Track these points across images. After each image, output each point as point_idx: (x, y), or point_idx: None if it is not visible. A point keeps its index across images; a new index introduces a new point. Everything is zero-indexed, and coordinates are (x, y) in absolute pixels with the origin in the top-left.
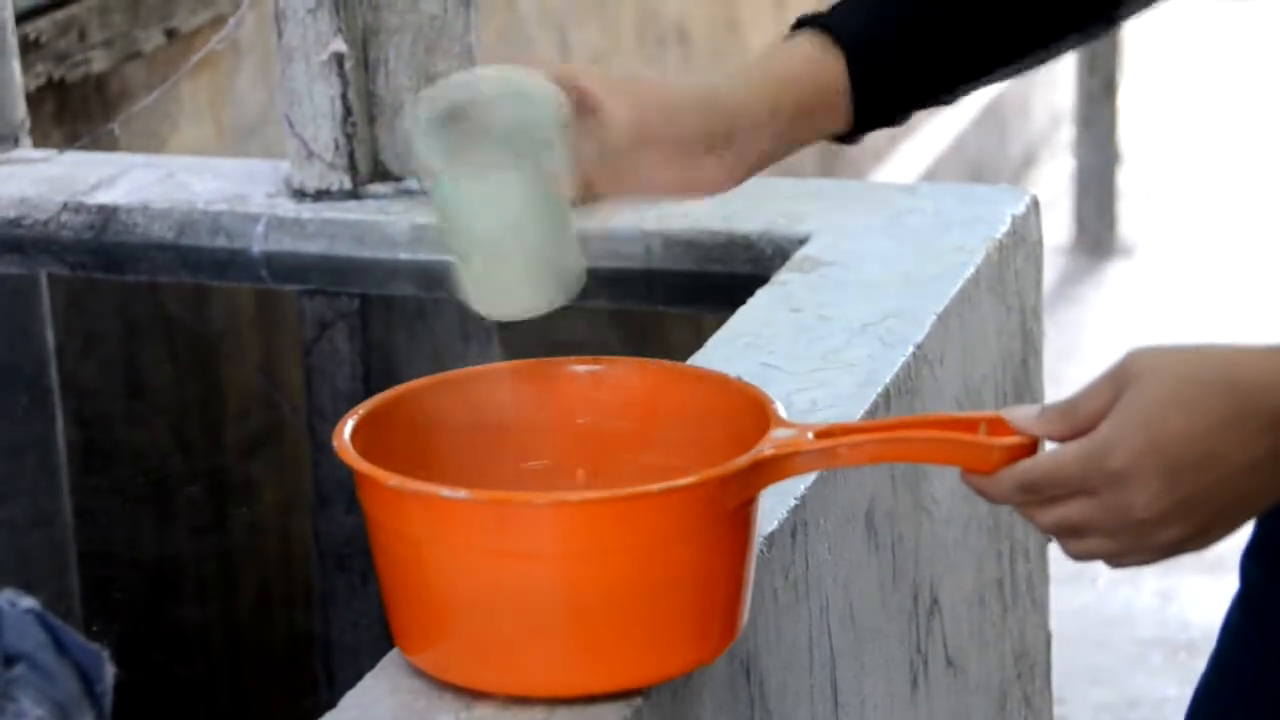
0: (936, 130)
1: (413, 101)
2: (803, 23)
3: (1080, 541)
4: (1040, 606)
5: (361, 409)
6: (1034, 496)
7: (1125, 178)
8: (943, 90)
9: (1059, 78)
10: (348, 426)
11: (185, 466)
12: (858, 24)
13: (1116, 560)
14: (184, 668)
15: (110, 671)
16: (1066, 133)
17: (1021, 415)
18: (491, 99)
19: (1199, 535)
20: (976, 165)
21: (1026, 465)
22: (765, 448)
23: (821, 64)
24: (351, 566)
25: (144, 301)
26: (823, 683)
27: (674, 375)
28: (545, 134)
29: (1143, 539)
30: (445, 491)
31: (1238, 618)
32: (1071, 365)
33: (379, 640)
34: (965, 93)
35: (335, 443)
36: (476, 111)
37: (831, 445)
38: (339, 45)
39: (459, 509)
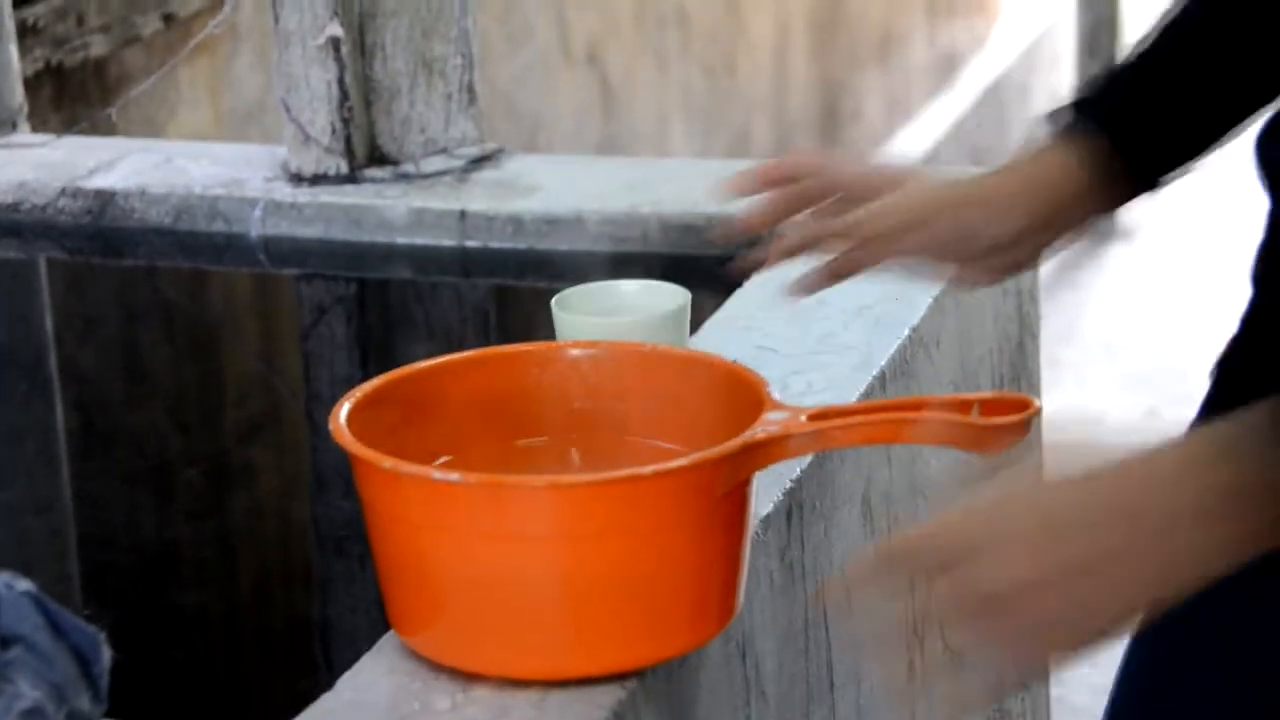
0: (937, 115)
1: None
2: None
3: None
4: None
5: (357, 392)
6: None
7: None
8: (1206, 147)
9: (1059, 60)
10: (343, 410)
11: (184, 451)
12: (1119, 107)
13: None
14: (183, 651)
15: (107, 653)
16: None
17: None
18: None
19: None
20: (976, 149)
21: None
22: (758, 430)
23: (1073, 171)
24: (349, 551)
25: (142, 286)
26: (818, 665)
27: (668, 359)
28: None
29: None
30: (439, 474)
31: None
32: (1071, 349)
33: (377, 624)
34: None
35: (331, 426)
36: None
37: (824, 427)
38: (335, 29)
39: (453, 492)
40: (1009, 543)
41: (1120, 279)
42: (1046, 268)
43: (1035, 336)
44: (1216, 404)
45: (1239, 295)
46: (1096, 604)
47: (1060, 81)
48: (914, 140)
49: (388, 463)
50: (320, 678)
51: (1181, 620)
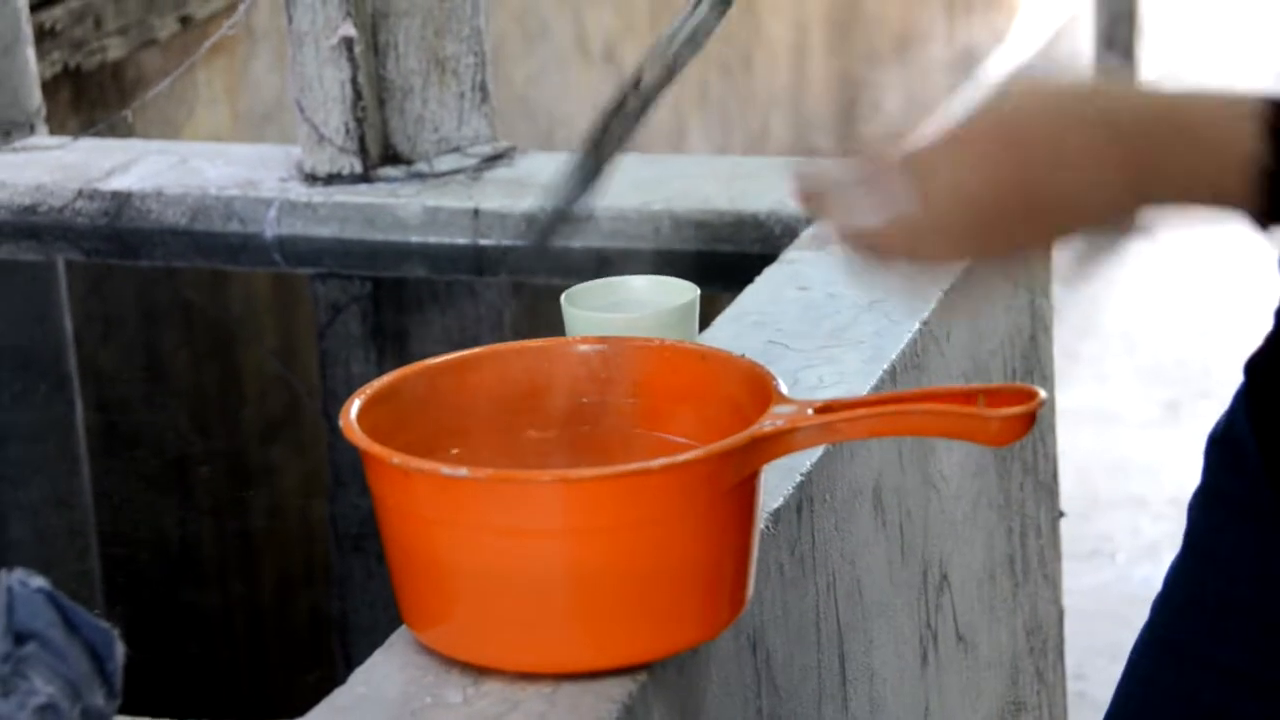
0: (956, 109)
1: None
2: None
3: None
4: (1052, 582)
5: (368, 389)
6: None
7: None
8: None
9: (1078, 55)
10: (354, 406)
11: (202, 450)
12: None
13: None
14: (201, 647)
15: (121, 650)
16: None
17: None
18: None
19: (989, 191)
20: None
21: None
22: (765, 424)
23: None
24: (367, 548)
25: (160, 286)
26: (830, 658)
27: (677, 353)
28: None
29: (924, 178)
30: (448, 470)
31: (1180, 560)
32: (1090, 342)
33: (394, 620)
34: None
35: (341, 422)
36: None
37: (831, 420)
38: (348, 29)
39: (463, 487)
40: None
41: (1140, 271)
42: (1061, 258)
43: (1048, 329)
44: (1252, 397)
45: (1260, 288)
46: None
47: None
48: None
49: (397, 458)
50: (338, 674)
51: (1184, 608)
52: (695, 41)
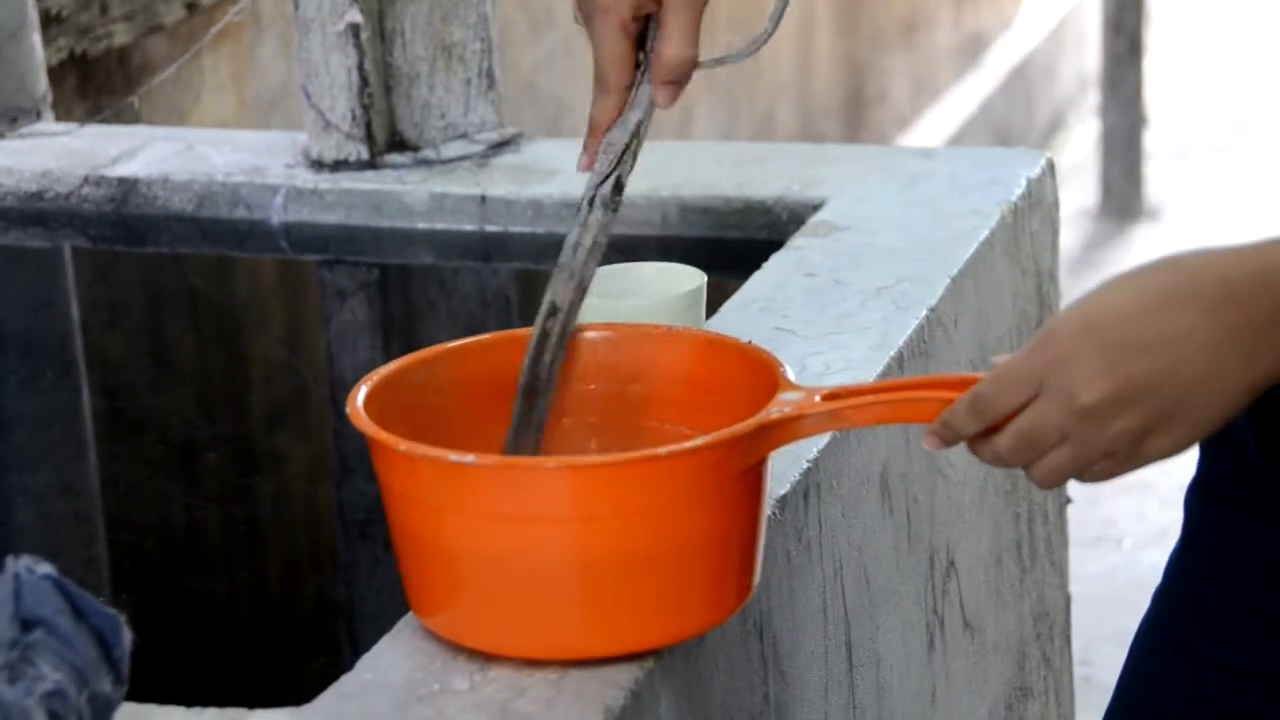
0: (963, 95)
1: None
2: None
3: (1041, 458)
4: (1059, 568)
5: (375, 376)
6: (987, 411)
7: (1152, 140)
8: None
9: (1086, 40)
10: (361, 393)
11: (209, 436)
12: None
13: (1083, 468)
14: (208, 633)
15: (128, 636)
16: (1094, 96)
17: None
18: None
19: (1159, 429)
20: (1003, 130)
21: (977, 383)
22: (772, 411)
23: None
24: (373, 534)
25: (166, 273)
26: (837, 644)
27: (684, 340)
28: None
29: (1096, 430)
30: (453, 456)
31: (1179, 552)
32: None
33: (402, 607)
34: None
35: (348, 409)
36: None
37: (838, 407)
38: (355, 16)
39: (469, 473)
40: (1091, 354)
41: (1148, 259)
42: (1071, 246)
43: (1056, 316)
44: None
45: None
46: (1189, 417)
47: (1086, 62)
48: (940, 122)
49: (403, 445)
50: (344, 661)
51: (1184, 603)
52: (597, 247)
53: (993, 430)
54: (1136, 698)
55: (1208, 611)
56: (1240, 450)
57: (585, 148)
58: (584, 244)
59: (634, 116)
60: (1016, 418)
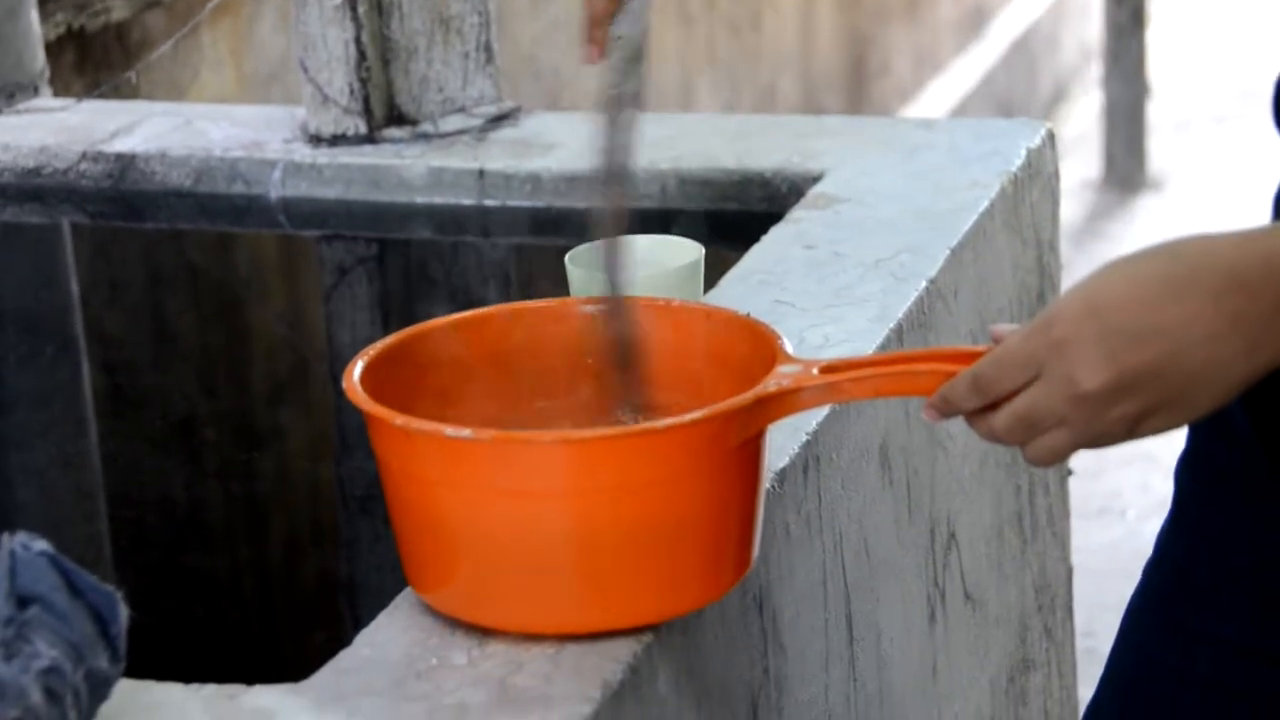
0: (966, 67)
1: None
2: None
3: (1038, 438)
4: (1061, 539)
5: (372, 350)
6: (987, 390)
7: (1155, 111)
8: None
9: (1089, 11)
10: (358, 368)
11: (210, 412)
12: None
13: (1078, 448)
14: (208, 609)
15: (124, 613)
16: (1097, 67)
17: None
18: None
19: (1159, 412)
20: (1006, 101)
21: (978, 361)
22: (770, 384)
23: None
24: (373, 510)
25: (165, 248)
26: (837, 617)
27: (682, 313)
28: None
29: (1095, 416)
30: (451, 430)
31: (1169, 525)
32: None
33: (402, 583)
34: None
35: (345, 384)
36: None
37: (835, 380)
38: None
39: (466, 448)
40: (1092, 344)
41: (1151, 230)
42: (1074, 218)
43: (1056, 288)
44: None
45: None
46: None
47: (1089, 33)
48: (942, 94)
49: (400, 419)
50: (345, 636)
51: (1176, 578)
52: (633, 149)
53: (991, 408)
54: (1129, 670)
55: (1198, 586)
56: (1231, 429)
57: (590, 39)
58: (620, 145)
59: (637, 4)
60: (1014, 398)
